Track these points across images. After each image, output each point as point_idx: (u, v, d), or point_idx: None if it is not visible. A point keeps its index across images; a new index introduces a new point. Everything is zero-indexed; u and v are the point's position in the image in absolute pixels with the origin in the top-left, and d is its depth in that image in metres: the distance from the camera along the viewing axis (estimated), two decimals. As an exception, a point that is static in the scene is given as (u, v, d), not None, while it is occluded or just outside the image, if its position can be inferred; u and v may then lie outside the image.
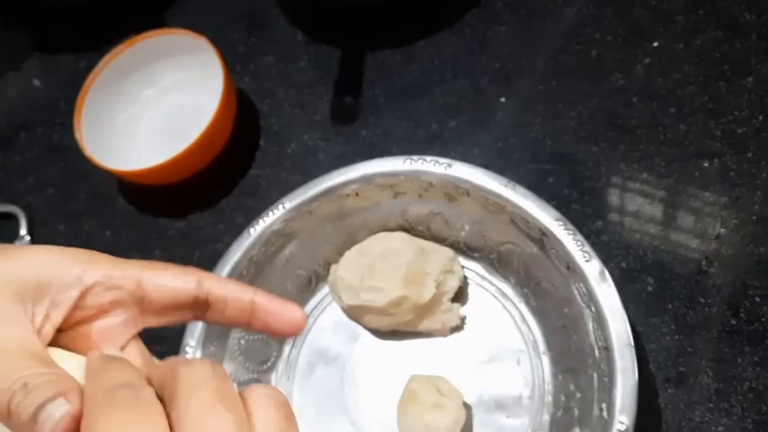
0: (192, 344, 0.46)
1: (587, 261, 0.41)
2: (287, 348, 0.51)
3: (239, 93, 0.61)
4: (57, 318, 0.26)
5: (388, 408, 0.46)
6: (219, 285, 0.28)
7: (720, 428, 0.42)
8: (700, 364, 0.44)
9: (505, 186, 0.45)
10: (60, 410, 0.21)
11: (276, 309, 0.28)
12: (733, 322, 0.44)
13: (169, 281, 0.27)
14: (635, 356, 0.39)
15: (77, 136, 0.57)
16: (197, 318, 0.28)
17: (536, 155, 0.53)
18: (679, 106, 0.51)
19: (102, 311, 0.27)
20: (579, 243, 0.42)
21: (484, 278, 0.49)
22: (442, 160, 0.47)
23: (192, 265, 0.29)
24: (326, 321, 0.51)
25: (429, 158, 0.47)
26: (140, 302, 0.27)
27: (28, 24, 0.74)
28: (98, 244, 0.60)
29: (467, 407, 0.45)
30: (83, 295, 0.26)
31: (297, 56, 0.63)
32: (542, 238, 0.44)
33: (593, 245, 0.42)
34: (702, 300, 0.45)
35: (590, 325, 0.41)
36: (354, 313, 0.49)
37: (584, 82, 0.55)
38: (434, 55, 0.60)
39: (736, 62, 0.52)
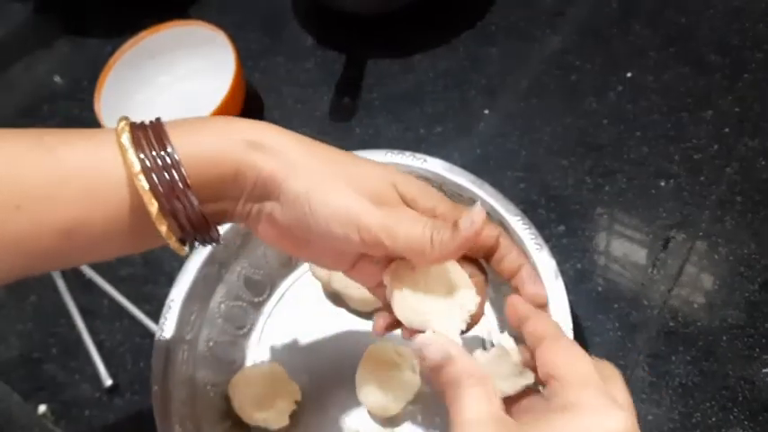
0: (177, 300, 0.50)
1: (538, 250, 0.45)
2: (262, 318, 0.55)
3: (248, 86, 0.66)
4: None
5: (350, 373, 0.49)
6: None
7: (650, 417, 0.46)
8: (637, 358, 0.48)
9: (473, 182, 0.49)
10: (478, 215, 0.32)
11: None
12: (671, 324, 0.48)
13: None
14: (572, 333, 0.42)
15: (96, 106, 0.62)
16: None
17: (511, 163, 0.58)
18: (644, 131, 0.56)
19: None
20: (533, 236, 0.46)
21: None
22: (418, 155, 0.51)
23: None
24: (301, 295, 0.55)
25: (407, 153, 0.52)
26: None
27: (61, 9, 0.81)
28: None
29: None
30: None
31: (304, 58, 0.69)
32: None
33: (554, 246, 0.47)
34: (646, 302, 0.49)
35: (537, 310, 0.45)
36: (331, 290, 0.53)
37: (560, 102, 0.60)
38: (429, 67, 0.65)
39: (699, 96, 0.57)
